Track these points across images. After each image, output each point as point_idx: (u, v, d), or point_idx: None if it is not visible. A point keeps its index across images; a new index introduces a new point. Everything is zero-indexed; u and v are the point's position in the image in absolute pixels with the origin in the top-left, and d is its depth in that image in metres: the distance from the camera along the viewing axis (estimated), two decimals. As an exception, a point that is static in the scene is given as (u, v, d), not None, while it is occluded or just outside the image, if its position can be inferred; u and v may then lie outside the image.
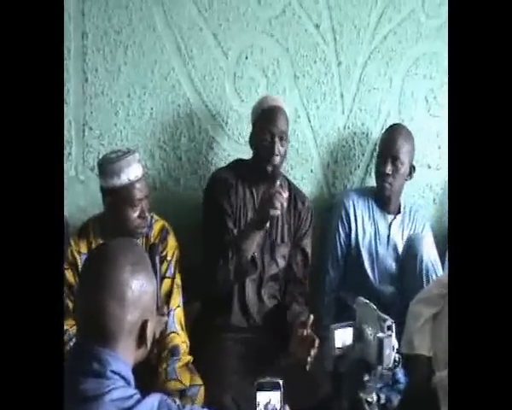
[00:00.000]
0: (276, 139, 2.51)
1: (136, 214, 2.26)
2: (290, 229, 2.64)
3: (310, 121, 3.01)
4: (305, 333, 2.22)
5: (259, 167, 2.54)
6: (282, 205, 2.28)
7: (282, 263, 2.62)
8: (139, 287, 1.42)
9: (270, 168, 2.50)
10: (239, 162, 2.70)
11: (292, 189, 2.69)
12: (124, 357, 1.41)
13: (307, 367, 2.18)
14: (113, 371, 1.37)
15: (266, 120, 2.53)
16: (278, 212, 2.29)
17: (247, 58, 2.86)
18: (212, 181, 2.62)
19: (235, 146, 2.87)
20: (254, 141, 2.59)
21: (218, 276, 2.42)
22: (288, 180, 2.74)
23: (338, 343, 1.90)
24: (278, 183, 2.39)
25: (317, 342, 2.20)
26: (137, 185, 2.24)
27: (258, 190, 2.58)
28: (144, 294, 1.43)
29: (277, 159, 2.51)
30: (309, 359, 2.18)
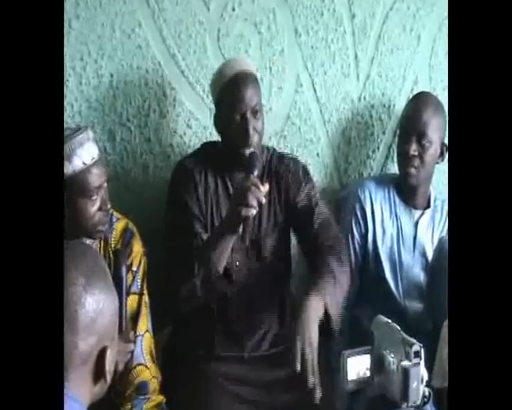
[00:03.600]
0: (249, 115, 2.50)
1: (95, 207, 2.25)
2: (277, 218, 2.63)
3: (315, 91, 3.02)
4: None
5: (233, 153, 2.54)
6: (258, 201, 2.25)
7: (275, 255, 2.62)
8: (95, 305, 1.43)
9: (247, 151, 2.49)
10: (209, 146, 2.71)
11: (283, 162, 2.67)
12: (76, 394, 1.42)
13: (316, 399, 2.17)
14: (62, 413, 1.37)
15: (233, 94, 2.51)
16: (253, 211, 2.26)
17: (233, 10, 2.87)
18: (177, 171, 2.63)
19: (219, 123, 2.88)
20: (220, 123, 2.59)
21: (182, 293, 2.41)
22: (276, 154, 2.73)
23: (352, 375, 1.91)
24: (255, 173, 2.37)
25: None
26: (94, 170, 2.24)
27: (233, 180, 2.59)
28: (102, 314, 1.44)
29: (255, 138, 2.51)
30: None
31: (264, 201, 2.28)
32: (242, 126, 2.49)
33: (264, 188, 2.28)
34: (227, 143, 2.59)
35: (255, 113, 2.52)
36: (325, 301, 2.33)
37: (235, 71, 2.56)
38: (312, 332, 2.26)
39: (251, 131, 2.49)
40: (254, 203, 2.24)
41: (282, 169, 2.66)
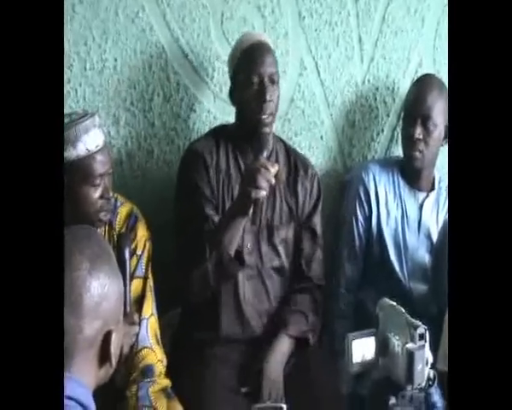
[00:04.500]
0: (266, 81, 2.51)
1: (97, 194, 2.25)
2: (291, 207, 2.65)
3: (319, 74, 3.01)
4: None
5: (247, 127, 2.55)
6: (269, 183, 2.26)
7: (283, 251, 2.63)
8: (100, 289, 1.43)
9: (263, 119, 2.49)
10: (221, 128, 2.71)
11: (291, 155, 2.71)
12: (81, 378, 1.42)
13: None
14: (68, 397, 1.37)
15: (250, 60, 2.54)
16: (264, 193, 2.26)
17: (237, -7, 2.86)
18: (187, 156, 2.63)
19: (222, 107, 2.86)
20: (237, 92, 2.59)
21: (193, 278, 2.42)
22: (284, 143, 2.76)
23: (357, 358, 1.91)
24: (265, 154, 2.39)
25: None
26: (98, 157, 2.23)
27: (246, 159, 2.59)
28: (106, 298, 1.44)
29: (271, 106, 2.51)
30: None
31: (273, 182, 2.28)
32: (260, 91, 2.50)
33: (274, 169, 2.28)
34: (242, 114, 2.59)
35: (272, 82, 2.53)
36: (295, 335, 2.56)
37: (255, 40, 2.59)
38: (279, 376, 2.48)
39: (268, 97, 2.49)
40: (264, 185, 2.25)
41: (300, 172, 2.70)
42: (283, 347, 2.53)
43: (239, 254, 2.45)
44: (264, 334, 2.59)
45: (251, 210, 2.33)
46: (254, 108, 2.50)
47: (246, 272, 2.55)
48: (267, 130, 2.51)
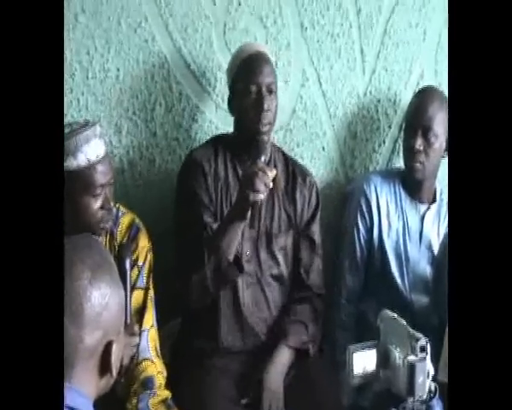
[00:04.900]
0: (264, 91, 2.53)
1: (97, 205, 2.25)
2: (290, 215, 2.65)
3: (321, 85, 3.01)
4: None
5: (245, 136, 2.55)
6: (266, 186, 2.28)
7: (282, 259, 2.63)
8: (101, 299, 1.42)
9: (261, 128, 2.50)
10: (220, 137, 2.72)
11: (289, 163, 2.72)
12: (81, 388, 1.42)
13: None
14: (68, 407, 1.37)
15: (249, 70, 2.55)
16: (261, 196, 2.29)
17: (239, 4, 2.86)
18: (186, 164, 2.64)
19: (224, 117, 2.86)
20: (235, 102, 2.61)
21: (192, 284, 2.42)
22: (283, 152, 2.76)
23: (358, 370, 1.90)
24: (263, 158, 2.40)
25: None
26: (99, 168, 2.23)
27: (244, 167, 2.59)
28: (107, 308, 1.44)
29: (269, 115, 2.52)
30: None
31: (271, 185, 2.31)
32: (258, 100, 2.52)
33: (272, 173, 2.30)
34: (241, 123, 2.60)
35: (270, 92, 2.54)
36: (295, 346, 2.56)
37: (253, 51, 2.61)
38: (279, 387, 2.48)
39: (265, 106, 2.50)
40: (262, 188, 2.27)
41: (298, 180, 2.70)
42: (283, 358, 2.53)
43: (238, 260, 2.45)
44: (264, 343, 2.58)
45: (249, 214, 2.34)
46: (252, 117, 2.52)
47: (245, 279, 2.55)
48: (265, 138, 2.53)
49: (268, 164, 2.55)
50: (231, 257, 2.41)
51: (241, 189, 2.35)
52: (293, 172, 2.70)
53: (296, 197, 2.67)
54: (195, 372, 2.47)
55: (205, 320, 2.55)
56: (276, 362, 2.49)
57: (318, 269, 2.71)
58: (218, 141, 2.68)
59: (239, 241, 2.45)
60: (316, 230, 2.71)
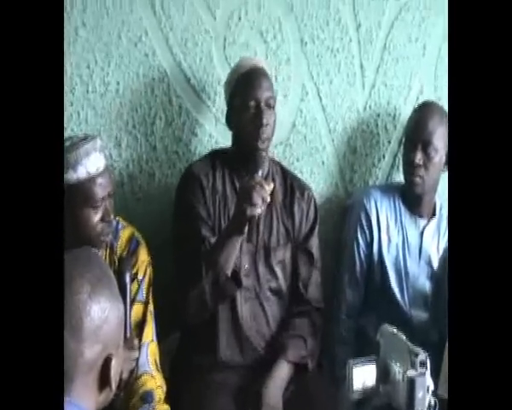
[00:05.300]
0: (263, 105, 2.52)
1: (98, 217, 2.25)
2: (288, 229, 2.65)
3: (321, 100, 3.02)
4: None
5: (243, 150, 2.56)
6: (263, 200, 2.28)
7: (281, 273, 2.63)
8: (100, 313, 1.42)
9: (259, 144, 2.50)
10: (218, 151, 2.72)
11: (288, 177, 2.72)
12: (81, 402, 1.41)
13: None
14: (67, 422, 1.36)
15: (247, 85, 2.55)
16: (259, 210, 2.29)
17: (240, 18, 2.86)
18: (184, 177, 2.64)
19: (224, 131, 2.85)
20: (234, 116, 2.60)
21: (190, 298, 2.42)
22: (281, 166, 2.76)
23: (357, 384, 1.90)
24: (260, 173, 2.41)
25: None
26: (99, 180, 2.24)
27: (242, 181, 2.59)
28: (107, 322, 1.43)
29: (268, 130, 2.52)
30: None
31: (268, 199, 2.31)
32: (256, 115, 2.51)
33: (269, 187, 2.31)
34: (239, 138, 2.60)
35: (269, 106, 2.54)
36: (294, 361, 2.55)
37: (251, 65, 2.61)
38: (278, 402, 2.46)
39: (264, 121, 2.50)
40: (259, 202, 2.27)
41: (296, 194, 2.70)
42: (282, 372, 2.52)
43: (236, 274, 2.45)
44: (262, 358, 2.58)
45: (246, 228, 2.34)
46: (251, 132, 2.51)
47: (243, 294, 2.55)
48: (263, 153, 2.53)
49: (266, 178, 2.55)
50: (229, 272, 2.41)
51: (238, 203, 2.35)
52: (291, 186, 2.70)
53: (294, 211, 2.67)
54: (194, 387, 2.47)
55: (203, 335, 2.55)
56: (274, 377, 2.48)
57: (317, 283, 2.70)
58: (216, 155, 2.68)
59: (237, 255, 2.44)
60: (314, 243, 2.70)
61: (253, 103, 2.52)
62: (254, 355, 2.57)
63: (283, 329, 2.61)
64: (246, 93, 2.54)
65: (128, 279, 2.19)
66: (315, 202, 2.75)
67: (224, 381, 2.50)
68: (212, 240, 2.49)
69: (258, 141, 2.50)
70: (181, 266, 2.50)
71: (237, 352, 2.56)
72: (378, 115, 3.09)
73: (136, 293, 2.35)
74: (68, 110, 2.72)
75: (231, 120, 2.62)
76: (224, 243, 2.39)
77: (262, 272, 2.59)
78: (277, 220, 2.63)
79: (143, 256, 2.40)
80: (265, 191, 2.28)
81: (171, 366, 2.56)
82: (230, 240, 2.38)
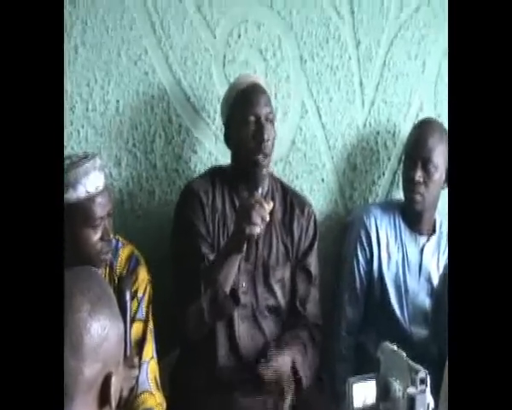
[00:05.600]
0: (263, 120, 2.52)
1: (97, 236, 2.25)
2: (287, 247, 2.65)
3: (320, 117, 3.03)
4: None
5: (243, 167, 2.55)
6: (263, 219, 2.27)
7: (279, 291, 2.62)
8: (100, 331, 1.42)
9: (261, 159, 2.50)
10: (217, 169, 2.72)
11: (288, 194, 2.72)
12: (81, 421, 1.41)
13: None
14: (67, 440, 1.36)
15: (247, 101, 2.55)
16: (258, 229, 2.28)
17: (239, 36, 2.88)
18: (183, 195, 2.64)
19: (224, 149, 2.85)
20: (232, 133, 2.60)
21: (189, 314, 2.42)
22: (281, 183, 2.76)
23: (357, 402, 1.90)
24: (260, 190, 2.41)
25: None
26: (98, 200, 2.24)
27: (241, 198, 2.59)
28: (107, 340, 1.43)
29: (269, 145, 2.52)
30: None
31: (268, 218, 2.29)
32: (257, 130, 2.51)
33: (269, 206, 2.30)
34: (239, 155, 2.59)
35: (268, 121, 2.54)
36: (294, 357, 2.49)
37: (250, 82, 2.61)
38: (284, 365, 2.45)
39: (265, 136, 2.49)
40: (258, 221, 2.26)
41: (296, 211, 2.69)
42: (286, 358, 2.48)
43: (234, 292, 2.45)
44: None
45: (245, 247, 2.33)
46: (252, 147, 2.51)
47: (240, 313, 2.54)
48: (263, 169, 2.52)
49: (266, 195, 2.56)
50: (228, 289, 2.41)
51: (237, 221, 2.34)
52: (291, 203, 2.70)
53: (293, 228, 2.67)
54: (193, 404, 2.46)
55: (202, 352, 2.54)
56: (278, 361, 2.45)
57: (315, 300, 2.69)
58: (215, 172, 2.68)
59: (235, 273, 2.43)
60: (312, 261, 2.70)
61: (252, 119, 2.52)
62: (252, 373, 2.56)
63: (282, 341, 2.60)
64: (245, 109, 2.54)
65: (128, 297, 2.19)
66: (315, 218, 2.75)
67: (222, 398, 2.48)
68: (211, 257, 2.48)
69: (259, 156, 2.50)
70: (180, 282, 2.50)
71: (236, 370, 2.55)
72: (378, 132, 3.10)
73: (136, 311, 2.35)
74: (68, 129, 2.72)
75: (230, 137, 2.62)
76: (223, 260, 2.38)
77: (260, 290, 2.59)
78: (277, 239, 2.63)
79: (143, 275, 2.40)
80: (265, 210, 2.27)
81: (170, 382, 2.55)
82: (230, 258, 2.37)
